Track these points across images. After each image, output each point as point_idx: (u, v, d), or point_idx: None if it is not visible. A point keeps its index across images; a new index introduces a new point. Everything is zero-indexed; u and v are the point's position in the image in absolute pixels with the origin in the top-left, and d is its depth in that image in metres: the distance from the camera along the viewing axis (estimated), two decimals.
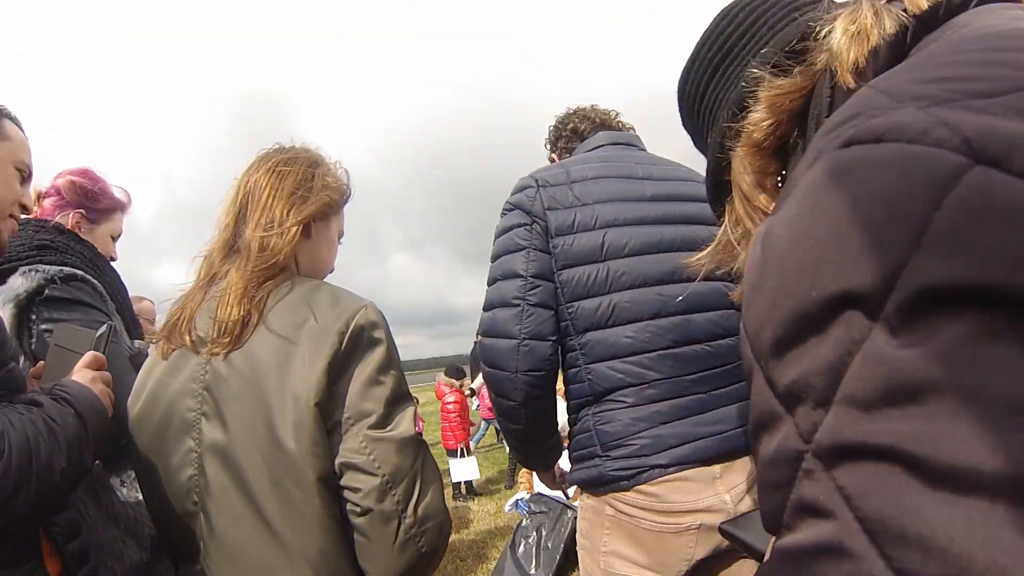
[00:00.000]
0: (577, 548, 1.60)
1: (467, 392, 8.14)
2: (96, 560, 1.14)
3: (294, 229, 1.21)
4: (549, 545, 4.02)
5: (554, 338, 1.43)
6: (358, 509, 1.07)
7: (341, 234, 1.39)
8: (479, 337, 1.52)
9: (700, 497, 1.39)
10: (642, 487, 1.39)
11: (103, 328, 1.30)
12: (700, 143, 0.85)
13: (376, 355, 1.12)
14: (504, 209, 1.52)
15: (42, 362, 1.26)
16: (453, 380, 8.16)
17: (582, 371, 1.44)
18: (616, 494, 1.42)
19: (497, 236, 1.51)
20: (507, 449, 7.72)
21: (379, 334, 1.14)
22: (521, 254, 1.44)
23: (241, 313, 1.13)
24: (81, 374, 1.18)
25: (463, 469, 6.98)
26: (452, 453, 7.41)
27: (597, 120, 1.76)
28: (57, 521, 1.09)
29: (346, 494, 1.09)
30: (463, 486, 7.18)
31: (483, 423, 9.93)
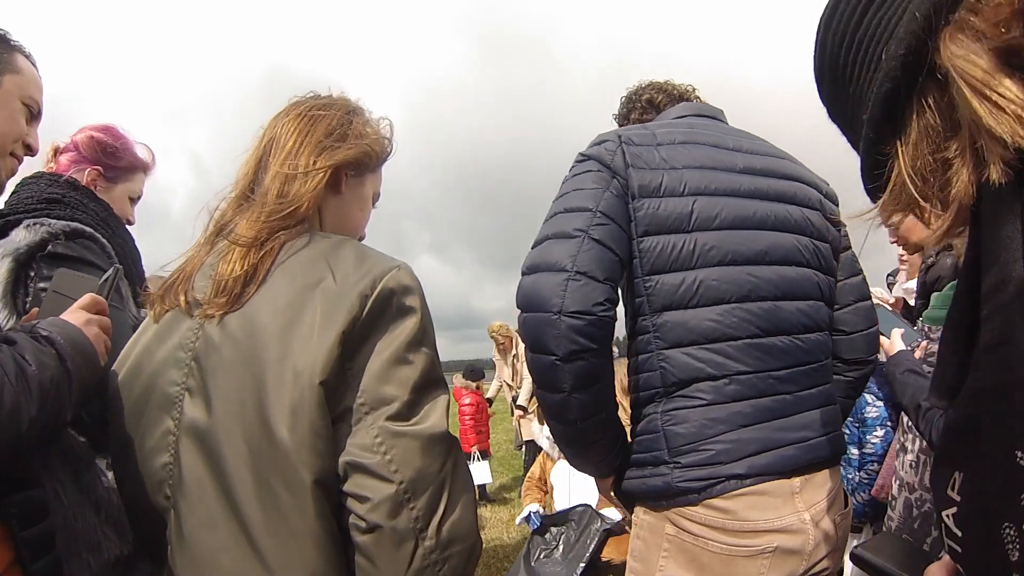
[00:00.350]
0: (626, 571, 1.37)
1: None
2: (68, 550, 0.95)
3: (320, 174, 1.04)
4: (569, 557, 3.77)
5: (611, 283, 1.18)
6: (363, 524, 0.86)
7: (377, 196, 1.21)
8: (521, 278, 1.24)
9: (779, 515, 1.19)
10: (713, 501, 1.18)
11: (109, 271, 1.16)
12: (845, 88, 0.69)
13: (406, 327, 0.92)
14: (576, 160, 1.31)
15: (36, 309, 1.11)
16: (470, 382, 7.96)
17: (654, 357, 1.23)
18: (680, 509, 1.21)
19: (564, 182, 1.29)
20: (523, 455, 7.46)
21: (412, 302, 0.94)
22: (594, 191, 1.22)
23: (244, 268, 0.95)
24: (74, 315, 1.01)
25: (475, 473, 6.78)
26: (467, 457, 7.21)
27: (675, 93, 1.60)
28: (16, 501, 0.89)
29: (350, 503, 0.88)
30: (476, 491, 6.96)
31: None
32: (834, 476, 1.31)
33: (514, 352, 7.22)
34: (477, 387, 7.91)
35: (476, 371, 8.20)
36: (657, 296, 1.22)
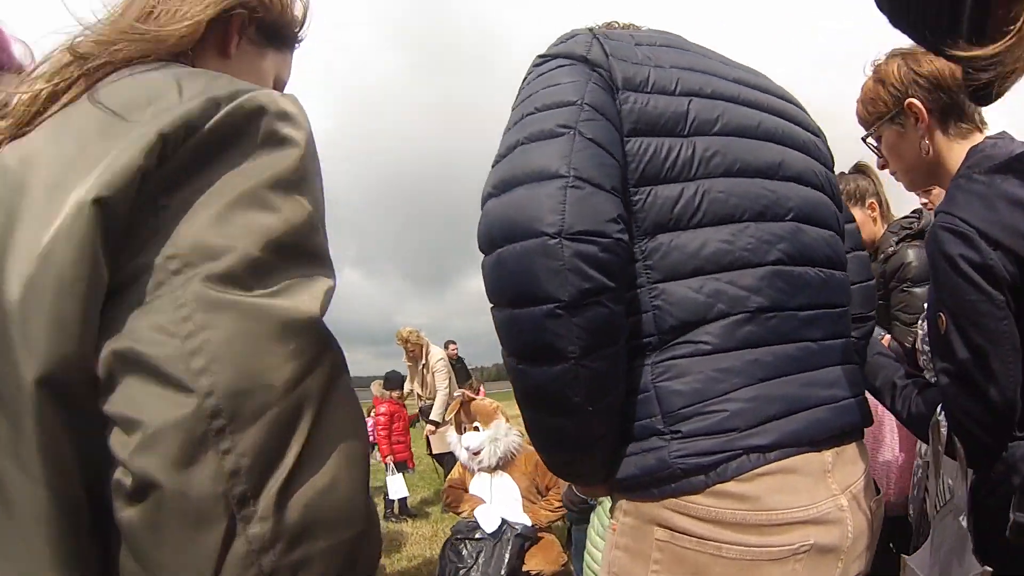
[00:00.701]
0: None
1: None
2: None
3: (199, 15, 0.72)
4: (489, 572, 3.43)
5: (620, 197, 0.85)
6: (127, 482, 0.47)
7: (282, 84, 0.91)
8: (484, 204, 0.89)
9: (812, 500, 0.89)
10: (726, 486, 0.86)
11: None
12: None
13: (278, 160, 0.59)
14: (534, 64, 1.00)
15: None
16: (386, 391, 7.47)
17: (644, 294, 0.92)
18: (676, 500, 0.87)
19: (524, 89, 0.97)
20: (443, 469, 7.00)
21: (294, 132, 0.61)
22: (574, 83, 0.90)
23: (54, 83, 0.61)
24: None
25: (390, 487, 6.31)
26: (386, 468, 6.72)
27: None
28: None
29: (112, 440, 0.48)
30: (396, 505, 6.49)
31: None
32: (863, 452, 1.04)
33: (424, 361, 6.81)
34: (398, 396, 7.43)
35: (394, 379, 7.67)
36: (649, 212, 0.91)
